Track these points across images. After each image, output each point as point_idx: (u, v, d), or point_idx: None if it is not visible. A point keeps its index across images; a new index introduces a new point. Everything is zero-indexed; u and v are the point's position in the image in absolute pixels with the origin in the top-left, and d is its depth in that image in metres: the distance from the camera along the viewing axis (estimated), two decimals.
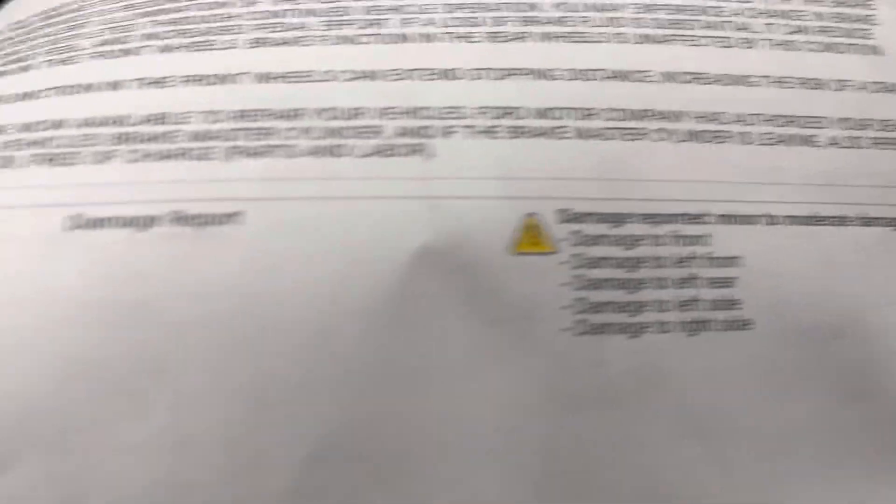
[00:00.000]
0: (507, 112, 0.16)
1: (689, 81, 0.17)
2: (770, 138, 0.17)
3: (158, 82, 0.16)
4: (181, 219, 0.15)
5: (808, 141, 0.17)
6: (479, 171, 0.16)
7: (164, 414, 0.14)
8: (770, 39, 0.18)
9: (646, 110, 0.16)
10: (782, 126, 0.17)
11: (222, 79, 0.16)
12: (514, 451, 0.15)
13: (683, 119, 0.16)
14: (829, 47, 0.18)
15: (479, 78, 0.16)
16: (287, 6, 0.17)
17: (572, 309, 0.15)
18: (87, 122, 0.16)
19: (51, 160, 0.15)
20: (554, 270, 0.15)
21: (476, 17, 0.17)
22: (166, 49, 0.17)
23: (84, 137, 0.16)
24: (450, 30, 0.17)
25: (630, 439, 0.16)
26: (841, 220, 0.16)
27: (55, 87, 0.16)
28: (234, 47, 0.17)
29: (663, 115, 0.16)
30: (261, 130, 0.16)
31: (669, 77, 0.17)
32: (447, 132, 0.16)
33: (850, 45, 0.18)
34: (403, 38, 0.17)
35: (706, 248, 0.16)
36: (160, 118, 0.16)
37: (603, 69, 0.17)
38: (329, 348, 0.15)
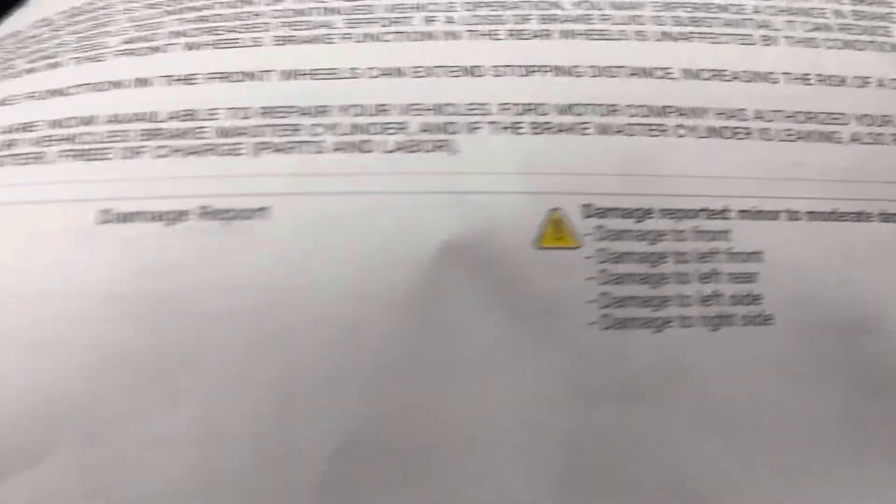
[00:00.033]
0: (530, 108, 0.16)
1: (710, 78, 0.17)
2: (790, 135, 0.17)
3: (185, 79, 0.16)
4: (209, 213, 0.15)
5: (828, 137, 0.17)
6: (504, 167, 0.16)
7: (193, 406, 0.14)
8: (790, 37, 0.18)
9: (667, 107, 0.17)
10: (803, 122, 0.17)
11: (249, 76, 0.16)
12: (539, 446, 0.15)
13: (704, 115, 0.17)
14: (849, 45, 0.18)
15: (503, 75, 0.17)
16: (311, 4, 0.17)
17: (597, 303, 0.15)
18: (116, 119, 0.16)
19: (81, 156, 0.16)
20: (579, 265, 0.15)
21: (498, 15, 0.17)
22: (192, 46, 0.17)
23: (113, 133, 0.16)
24: (472, 28, 0.17)
25: (653, 433, 0.16)
26: (861, 216, 0.16)
27: (84, 84, 0.16)
28: (260, 45, 0.17)
29: (684, 112, 0.17)
30: (287, 127, 0.16)
31: (690, 74, 0.17)
32: (471, 128, 0.16)
33: (870, 42, 0.18)
34: (427, 36, 0.17)
35: (727, 244, 0.16)
36: (188, 114, 0.16)
37: (624, 66, 0.17)
38: (356, 342, 0.15)
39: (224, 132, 0.16)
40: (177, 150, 0.16)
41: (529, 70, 0.17)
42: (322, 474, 0.15)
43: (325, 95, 0.16)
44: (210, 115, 0.16)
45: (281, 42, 0.17)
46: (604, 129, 0.16)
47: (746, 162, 0.16)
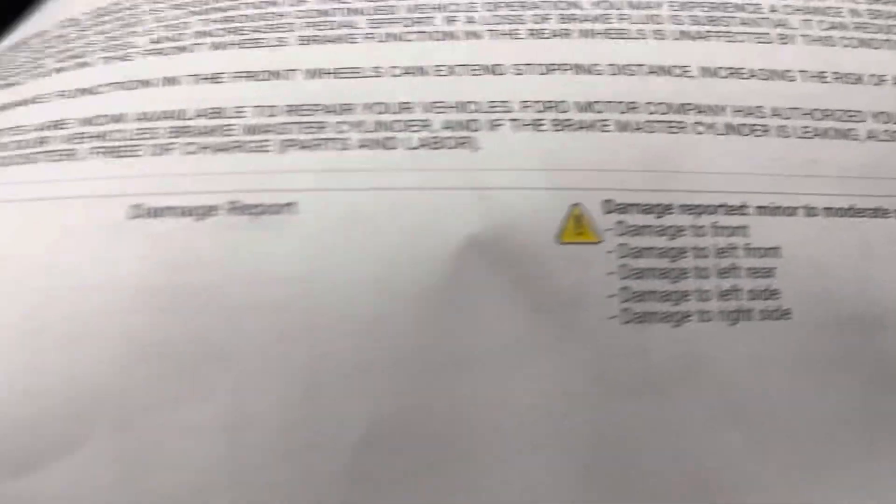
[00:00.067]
0: (551, 106, 0.16)
1: (728, 76, 0.17)
2: (808, 132, 0.17)
3: (212, 78, 0.17)
4: (238, 208, 0.15)
5: (845, 134, 0.17)
6: (525, 163, 0.16)
7: (223, 397, 0.15)
8: (807, 35, 0.18)
9: (686, 104, 0.17)
10: (820, 120, 0.17)
11: (274, 75, 0.17)
12: (560, 437, 0.16)
13: (722, 113, 0.17)
14: (865, 43, 0.18)
15: (523, 73, 0.17)
16: (334, 5, 0.18)
17: (618, 297, 0.16)
18: (146, 117, 0.16)
19: (111, 152, 0.16)
20: (600, 260, 0.16)
21: (518, 15, 0.18)
22: (218, 46, 0.17)
23: (143, 131, 0.16)
24: (493, 27, 0.17)
25: (672, 426, 0.16)
26: (878, 212, 0.17)
27: (113, 83, 0.17)
28: (285, 45, 0.17)
29: (703, 109, 0.17)
30: (313, 124, 0.16)
31: (708, 72, 0.17)
32: (493, 125, 0.16)
33: (886, 40, 0.18)
34: (449, 36, 0.17)
35: (745, 239, 0.16)
36: (215, 112, 0.16)
37: (643, 65, 0.17)
38: (381, 335, 0.15)
39: (251, 130, 0.16)
40: (205, 147, 0.16)
41: (550, 68, 0.17)
42: (348, 464, 0.15)
43: (350, 94, 0.16)
44: (237, 112, 0.16)
45: (305, 42, 0.17)
46: (623, 127, 0.16)
47: (764, 159, 0.17)
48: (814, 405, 0.16)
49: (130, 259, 0.15)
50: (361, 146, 0.16)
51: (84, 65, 0.17)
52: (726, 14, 0.18)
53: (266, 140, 0.16)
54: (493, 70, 0.17)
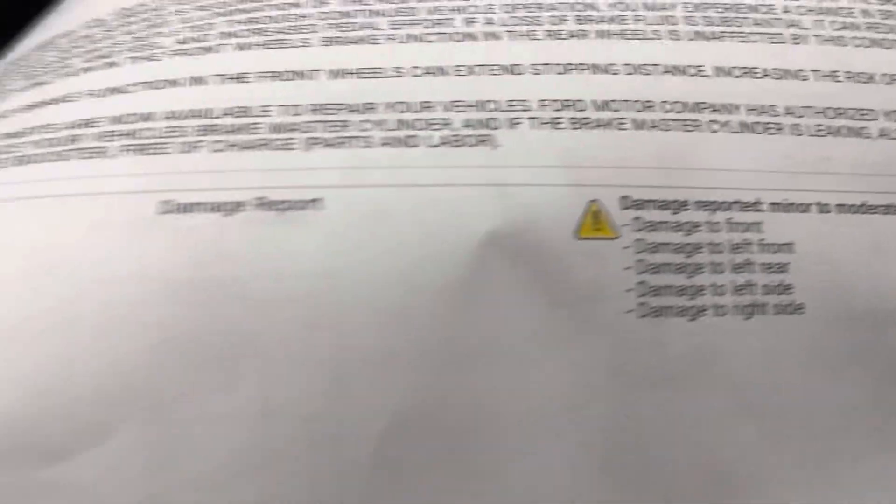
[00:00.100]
0: (568, 104, 0.17)
1: (741, 76, 0.18)
2: (820, 130, 0.17)
3: (238, 78, 0.17)
4: (265, 204, 0.16)
5: (858, 132, 0.17)
6: (544, 160, 0.16)
7: (251, 386, 0.15)
8: (819, 35, 0.18)
9: (700, 103, 0.17)
10: (832, 118, 0.17)
11: (298, 74, 0.17)
12: (578, 428, 0.16)
13: (736, 111, 0.17)
14: (876, 43, 0.18)
15: (541, 73, 0.17)
16: (356, 7, 0.18)
17: (635, 292, 0.16)
18: (174, 115, 0.17)
19: (141, 150, 0.16)
20: (617, 255, 0.16)
21: (536, 17, 0.18)
22: (243, 47, 0.18)
23: (171, 129, 0.16)
24: (511, 28, 0.18)
25: (687, 418, 0.16)
26: (890, 209, 0.17)
27: (142, 83, 0.17)
28: (308, 45, 0.18)
29: (717, 108, 0.17)
30: (337, 123, 0.16)
31: (722, 71, 0.18)
32: (512, 124, 0.17)
33: None
34: (468, 37, 0.18)
35: (759, 235, 0.17)
36: (241, 111, 0.17)
37: (658, 64, 0.17)
38: (404, 327, 0.15)
39: (276, 128, 0.16)
40: (232, 145, 0.16)
41: (567, 68, 0.17)
42: (372, 452, 0.15)
43: (372, 93, 0.17)
44: (263, 111, 0.17)
45: (328, 43, 0.18)
46: (640, 125, 0.17)
47: (778, 156, 0.17)
48: (827, 398, 0.16)
49: (161, 253, 0.15)
50: (384, 144, 0.16)
51: (112, 64, 0.18)
52: (740, 15, 0.18)
53: (291, 138, 0.16)
54: (512, 70, 0.17)
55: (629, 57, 0.17)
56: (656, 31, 0.18)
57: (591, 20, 0.18)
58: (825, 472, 0.17)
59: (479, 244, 0.16)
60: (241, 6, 0.18)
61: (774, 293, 0.16)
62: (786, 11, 0.19)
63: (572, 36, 0.18)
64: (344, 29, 0.18)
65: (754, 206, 0.17)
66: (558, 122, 0.17)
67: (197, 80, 0.17)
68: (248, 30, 0.18)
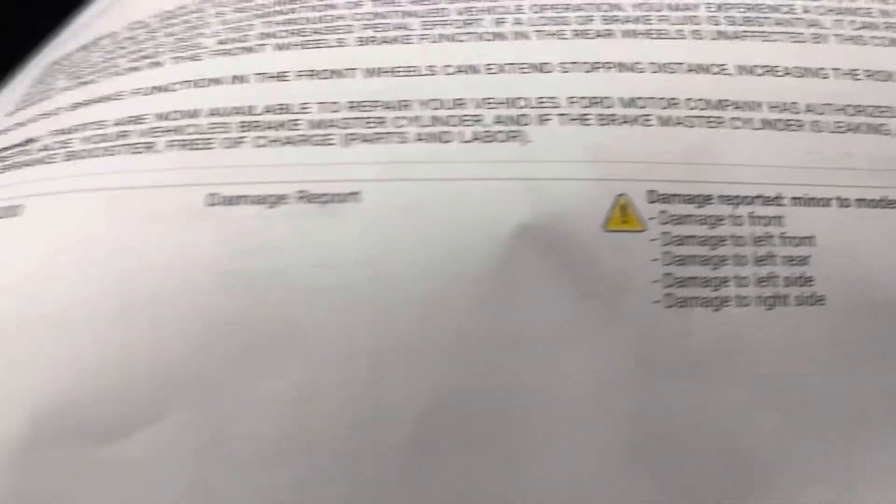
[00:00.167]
0: (596, 101, 0.17)
1: (763, 74, 0.18)
2: (840, 127, 0.18)
3: (278, 76, 0.18)
4: (306, 197, 0.16)
5: (876, 129, 0.18)
6: (573, 155, 0.17)
7: (294, 372, 0.16)
8: (839, 35, 0.19)
9: (724, 100, 0.18)
10: (852, 115, 0.18)
11: (336, 73, 0.18)
12: (606, 414, 0.16)
13: (759, 109, 0.18)
14: (895, 42, 0.19)
15: (569, 71, 0.18)
16: (389, 8, 0.19)
17: (661, 283, 0.16)
18: (217, 112, 0.17)
19: (187, 145, 0.17)
20: (644, 247, 0.17)
21: (563, 17, 0.19)
22: (282, 47, 0.18)
23: (215, 125, 0.17)
24: (540, 28, 0.18)
25: (712, 406, 0.17)
26: None
27: (186, 81, 0.18)
28: (344, 45, 0.18)
29: (740, 105, 0.18)
30: (373, 119, 0.17)
31: (744, 70, 0.18)
32: (542, 120, 0.17)
33: None
34: (498, 36, 0.18)
35: (781, 229, 0.17)
36: (282, 108, 0.17)
37: (682, 63, 0.18)
38: (439, 315, 0.16)
39: (316, 124, 0.17)
40: (274, 141, 0.17)
41: (594, 66, 0.18)
42: (410, 435, 0.16)
43: (407, 91, 0.17)
44: (302, 108, 0.17)
45: (363, 42, 0.18)
46: (665, 121, 0.17)
47: (799, 152, 0.17)
48: (847, 388, 0.17)
49: (208, 244, 0.16)
50: (419, 139, 0.17)
51: (156, 64, 0.19)
52: (761, 15, 0.19)
53: (330, 134, 0.17)
54: (541, 68, 0.18)
55: (654, 56, 0.18)
56: (680, 30, 0.19)
57: (616, 20, 0.19)
58: (846, 461, 0.17)
59: (511, 236, 0.16)
60: (278, 8, 0.19)
61: (796, 285, 0.17)
62: (806, 11, 0.19)
63: (599, 35, 0.18)
64: (378, 29, 0.19)
65: (776, 200, 0.17)
66: (586, 119, 0.17)
67: (238, 79, 0.18)
68: (285, 31, 0.19)
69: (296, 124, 0.17)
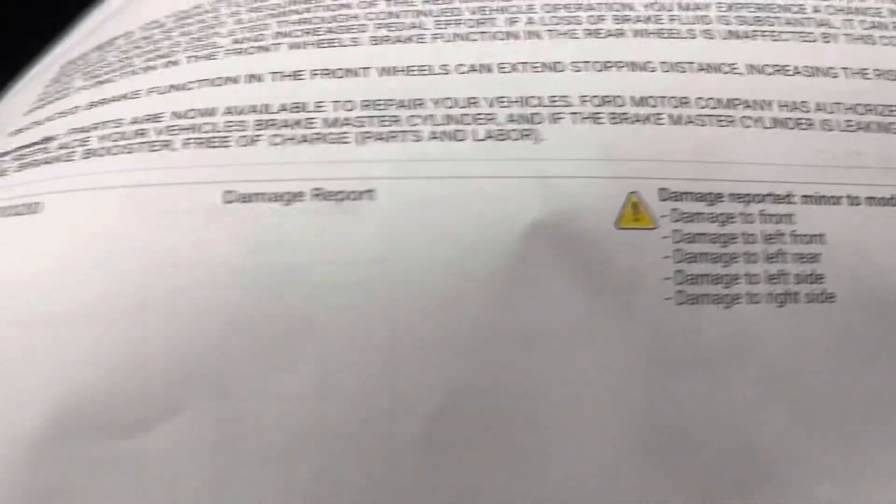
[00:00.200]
0: (608, 100, 0.17)
1: (774, 73, 0.18)
2: (850, 125, 0.18)
3: (293, 75, 0.18)
4: (321, 194, 0.16)
5: (887, 128, 0.18)
6: (585, 153, 0.17)
7: (310, 368, 0.16)
8: (849, 34, 0.19)
9: (734, 99, 0.18)
10: (862, 114, 0.18)
11: (350, 72, 0.18)
12: (618, 410, 0.17)
13: (769, 107, 0.18)
14: None
15: (581, 70, 0.18)
16: (403, 8, 0.19)
17: (672, 280, 0.17)
18: (233, 110, 0.17)
19: (204, 143, 0.17)
20: (656, 244, 0.17)
21: (575, 16, 0.19)
22: (297, 46, 0.18)
23: (231, 123, 0.17)
24: (552, 27, 0.19)
25: (723, 402, 0.17)
26: None
27: (202, 80, 0.18)
28: (358, 44, 0.18)
29: (750, 104, 0.18)
30: (387, 117, 0.17)
31: (755, 69, 0.18)
32: (555, 118, 0.17)
33: None
34: (511, 36, 0.18)
35: (792, 226, 0.17)
36: (297, 106, 0.17)
37: (693, 62, 0.18)
38: (452, 312, 0.16)
39: (331, 122, 0.17)
40: (290, 139, 0.17)
41: (606, 66, 0.18)
42: (424, 430, 0.16)
43: (420, 89, 0.18)
44: (317, 107, 0.17)
45: (377, 42, 0.18)
46: (676, 120, 0.17)
47: (809, 151, 0.18)
48: (857, 385, 0.17)
49: (224, 240, 0.16)
50: (432, 138, 0.17)
51: (172, 63, 0.19)
52: (771, 14, 0.19)
53: (345, 132, 0.17)
54: (553, 67, 0.18)
55: (665, 55, 0.18)
56: (691, 30, 0.19)
57: (628, 20, 0.19)
58: (856, 457, 0.17)
59: (524, 234, 0.16)
60: (293, 7, 0.19)
61: (806, 282, 0.17)
62: (816, 11, 0.19)
63: (610, 35, 0.18)
64: (392, 28, 0.19)
65: (786, 198, 0.17)
66: (598, 117, 0.17)
67: (254, 78, 0.18)
68: (300, 30, 0.19)
69: (311, 122, 0.17)
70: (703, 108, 0.18)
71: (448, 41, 0.18)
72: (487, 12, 0.19)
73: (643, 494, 0.17)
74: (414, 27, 0.19)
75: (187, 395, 0.16)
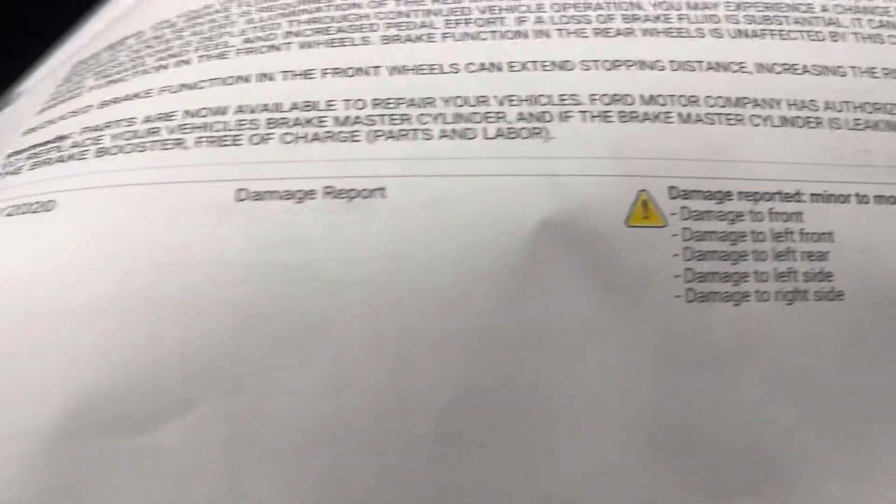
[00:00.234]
0: (617, 99, 0.18)
1: (782, 72, 0.18)
2: (859, 124, 0.18)
3: (304, 74, 0.18)
4: (332, 192, 0.17)
5: (895, 126, 0.18)
6: (595, 152, 0.17)
7: (323, 363, 0.16)
8: (857, 33, 0.19)
9: (743, 98, 0.18)
10: (870, 113, 0.18)
11: (360, 71, 0.18)
12: (627, 407, 0.17)
13: (778, 106, 0.18)
14: None
15: (590, 69, 0.18)
16: (412, 7, 0.19)
17: (682, 278, 0.17)
18: (245, 109, 0.18)
19: (216, 142, 0.17)
20: (665, 242, 0.17)
21: (584, 15, 0.19)
22: (307, 45, 0.19)
23: (242, 122, 0.17)
24: (561, 27, 0.19)
25: (732, 399, 0.17)
26: None
27: (213, 79, 0.18)
28: (369, 43, 0.18)
29: (759, 103, 0.18)
30: (398, 116, 0.17)
31: (763, 68, 0.18)
32: (564, 117, 0.17)
33: None
34: (520, 35, 0.18)
35: (800, 225, 0.17)
36: (308, 105, 0.18)
37: (702, 61, 0.18)
38: (462, 309, 0.16)
39: (342, 121, 0.17)
40: (301, 137, 0.17)
41: (615, 64, 0.18)
42: (435, 426, 0.16)
43: (430, 88, 0.18)
44: (328, 105, 0.18)
45: (387, 41, 0.19)
46: (685, 118, 0.17)
47: (817, 149, 0.18)
48: (865, 381, 0.17)
49: (237, 238, 0.16)
50: (442, 136, 0.17)
51: (184, 63, 0.19)
52: (780, 13, 0.19)
53: (356, 130, 0.17)
54: (563, 66, 0.18)
55: (674, 54, 0.18)
56: (699, 29, 0.19)
57: (637, 19, 0.19)
58: (864, 455, 0.17)
59: (533, 231, 0.17)
60: (303, 7, 0.19)
61: (815, 280, 0.17)
62: (824, 10, 0.19)
63: (619, 34, 0.19)
64: (402, 28, 0.19)
65: (795, 196, 0.17)
66: (608, 116, 0.17)
67: (265, 77, 0.18)
68: (311, 29, 0.19)
69: (322, 121, 0.17)
70: (711, 106, 0.18)
71: (458, 40, 0.18)
72: (496, 11, 0.19)
73: (651, 491, 0.17)
74: (424, 26, 0.19)
75: (199, 391, 0.16)
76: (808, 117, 0.18)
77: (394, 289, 0.16)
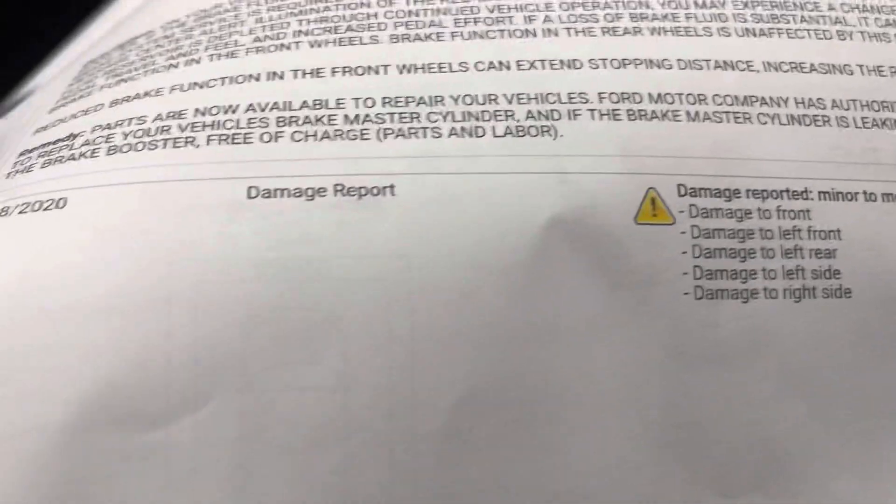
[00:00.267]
0: (625, 97, 0.18)
1: (790, 70, 0.18)
2: (866, 122, 0.18)
3: (313, 73, 0.18)
4: (343, 190, 0.17)
5: None
6: (603, 149, 0.17)
7: (333, 360, 0.16)
8: (864, 32, 0.19)
9: (751, 96, 0.18)
10: (878, 111, 0.18)
11: (370, 70, 0.18)
12: (636, 404, 0.17)
13: (785, 104, 0.18)
14: None
15: (599, 67, 0.18)
16: (421, 6, 0.19)
17: (690, 275, 0.17)
18: (256, 108, 0.18)
19: (226, 140, 0.17)
20: (674, 240, 0.17)
21: (592, 14, 0.19)
22: (317, 44, 0.19)
23: (253, 120, 0.17)
24: (569, 25, 0.19)
25: (740, 396, 0.17)
26: None
27: (224, 78, 0.18)
28: (378, 42, 0.19)
29: (767, 101, 0.18)
30: (407, 114, 0.17)
31: (771, 66, 0.18)
32: (573, 115, 0.17)
33: None
34: (528, 33, 0.19)
35: (808, 222, 0.17)
36: (318, 104, 0.18)
37: (709, 59, 0.18)
38: (472, 306, 0.16)
39: (352, 119, 0.17)
40: (311, 135, 0.17)
41: (623, 63, 0.18)
42: (444, 423, 0.16)
43: (440, 87, 0.18)
44: (338, 104, 0.18)
45: (396, 40, 0.19)
46: (693, 117, 0.18)
47: (825, 147, 0.18)
48: (873, 378, 0.17)
49: (249, 235, 0.16)
50: (452, 134, 0.17)
51: (194, 61, 0.19)
52: (787, 12, 0.19)
53: (366, 129, 0.17)
54: (571, 64, 0.18)
55: (682, 53, 0.18)
56: (707, 28, 0.19)
57: (645, 18, 0.19)
58: (872, 452, 0.17)
59: (542, 229, 0.17)
60: (312, 6, 0.20)
61: (823, 278, 0.17)
62: (831, 9, 0.19)
63: (627, 33, 0.19)
64: (411, 27, 0.19)
65: (803, 194, 0.17)
66: (616, 114, 0.18)
67: (275, 75, 0.18)
68: (320, 28, 0.19)
69: (332, 119, 0.17)
70: (719, 105, 0.18)
71: (467, 39, 0.19)
72: (505, 10, 0.19)
73: (659, 488, 0.17)
74: (433, 25, 0.19)
75: (211, 387, 0.16)
76: (816, 115, 0.18)
77: (403, 286, 0.16)
